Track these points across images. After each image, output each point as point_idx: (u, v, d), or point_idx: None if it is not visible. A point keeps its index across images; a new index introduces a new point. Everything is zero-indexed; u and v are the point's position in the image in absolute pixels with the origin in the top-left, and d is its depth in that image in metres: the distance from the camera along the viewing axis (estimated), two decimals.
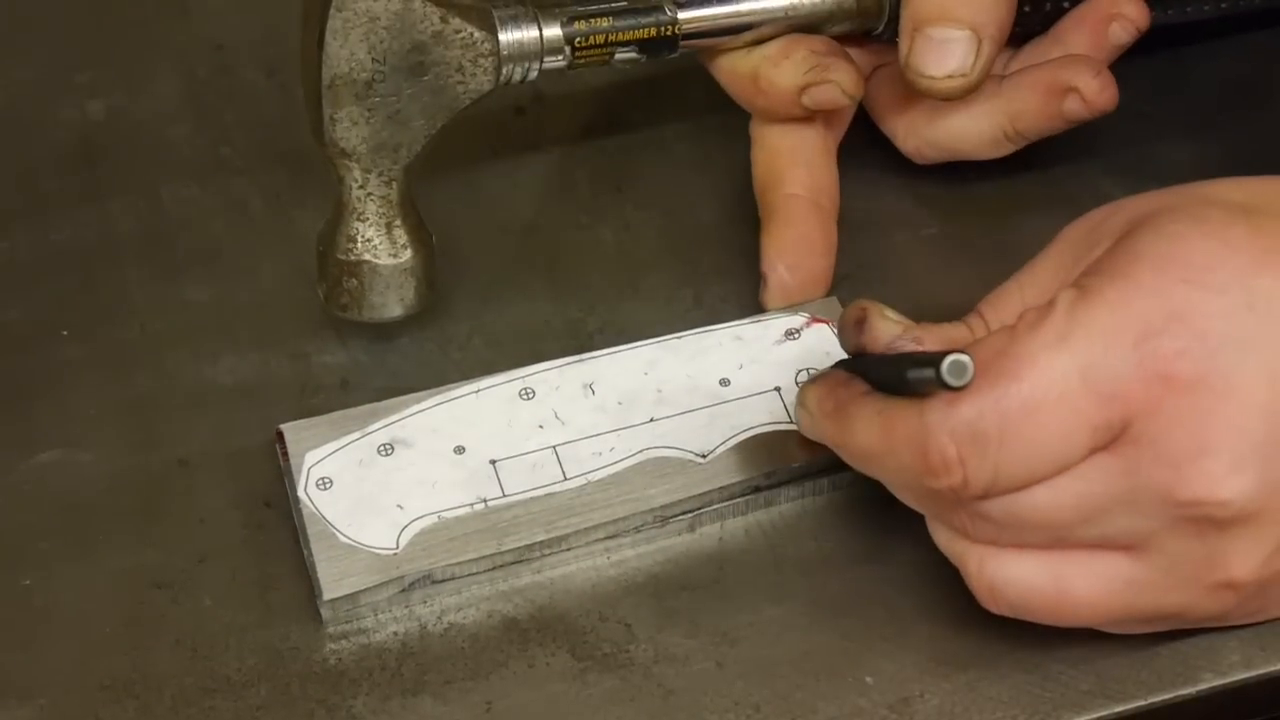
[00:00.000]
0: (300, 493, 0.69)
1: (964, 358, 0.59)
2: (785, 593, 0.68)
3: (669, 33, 0.73)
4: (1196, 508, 0.60)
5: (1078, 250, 0.65)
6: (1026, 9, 0.76)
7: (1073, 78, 0.75)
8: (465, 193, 0.80)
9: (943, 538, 0.64)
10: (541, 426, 0.70)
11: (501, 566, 0.68)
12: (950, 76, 0.72)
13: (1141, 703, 0.65)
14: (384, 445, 0.70)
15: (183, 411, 0.73)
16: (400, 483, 0.69)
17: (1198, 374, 0.60)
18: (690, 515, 0.69)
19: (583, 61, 0.72)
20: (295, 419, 0.71)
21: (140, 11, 0.87)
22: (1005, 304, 0.66)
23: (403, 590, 0.67)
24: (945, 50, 0.72)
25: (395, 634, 0.67)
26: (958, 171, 0.79)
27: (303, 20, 0.70)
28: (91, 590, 0.68)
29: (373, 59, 0.69)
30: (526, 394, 0.71)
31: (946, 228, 0.79)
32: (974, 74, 0.72)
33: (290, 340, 0.75)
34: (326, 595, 0.67)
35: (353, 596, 0.67)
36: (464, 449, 0.70)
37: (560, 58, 0.72)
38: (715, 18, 0.74)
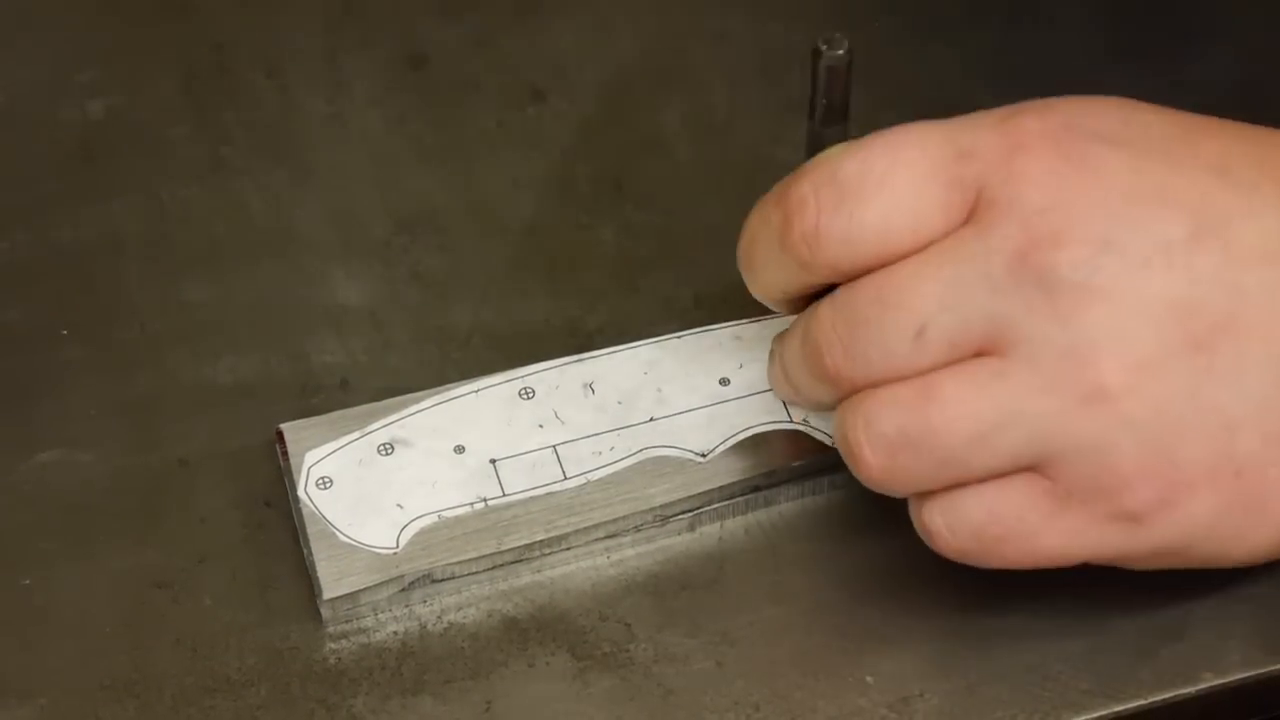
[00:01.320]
0: (300, 492, 0.69)
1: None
2: (785, 592, 0.68)
3: None
4: (1047, 271, 0.59)
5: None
6: None
7: None
8: (465, 192, 0.80)
9: (841, 419, 0.63)
10: (541, 426, 0.70)
11: (501, 566, 0.68)
12: None
13: (1141, 702, 0.65)
14: (384, 445, 0.70)
15: (183, 411, 0.73)
16: (400, 482, 0.69)
17: (1057, 146, 0.60)
18: (690, 515, 0.69)
19: None
20: (295, 419, 0.71)
21: (140, 11, 0.87)
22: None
23: (402, 590, 0.67)
24: None
25: (395, 633, 0.67)
26: None
27: None
28: (91, 590, 0.68)
29: None
30: (526, 393, 0.71)
31: None
32: None
33: (290, 340, 0.75)
34: (326, 594, 0.67)
35: (353, 596, 0.67)
36: (464, 448, 0.70)
37: None
38: None
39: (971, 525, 0.62)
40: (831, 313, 0.62)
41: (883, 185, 0.60)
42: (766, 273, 0.65)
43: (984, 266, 0.60)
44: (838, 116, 0.66)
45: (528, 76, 0.83)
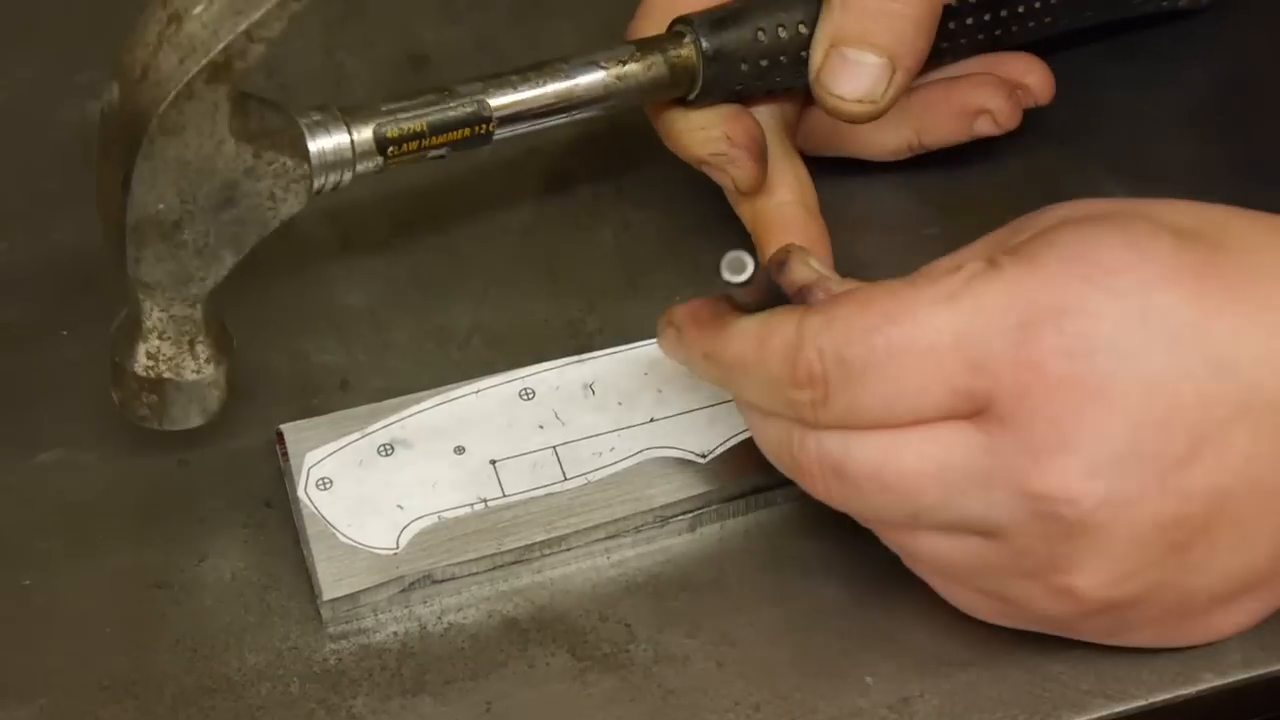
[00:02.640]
0: (300, 493, 0.69)
1: (741, 254, 0.61)
2: (785, 593, 0.68)
3: (484, 131, 0.71)
4: (1046, 502, 0.60)
5: (1012, 232, 0.65)
6: (943, 45, 0.76)
7: (985, 100, 0.76)
8: (465, 192, 0.80)
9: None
10: (541, 427, 0.70)
11: (501, 567, 0.68)
12: (860, 101, 0.72)
13: (1142, 703, 0.65)
14: (384, 445, 0.70)
15: None
16: (400, 483, 0.69)
17: (1072, 371, 0.59)
18: (690, 515, 0.69)
19: (396, 164, 0.70)
20: (295, 419, 0.71)
21: (139, 12, 0.86)
22: (929, 270, 0.65)
23: (402, 590, 0.67)
24: (859, 73, 0.71)
25: (395, 634, 0.67)
26: (958, 171, 0.79)
27: (100, 152, 0.67)
28: (92, 590, 0.69)
29: (181, 201, 0.65)
30: (526, 394, 0.71)
31: (947, 227, 0.79)
32: (883, 103, 0.72)
33: (290, 340, 0.75)
34: (326, 595, 0.67)
35: (352, 596, 0.67)
36: (464, 449, 0.70)
37: (373, 163, 0.70)
38: (532, 102, 0.72)
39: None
40: (821, 466, 0.63)
41: (887, 378, 0.60)
42: (750, 395, 0.64)
43: (986, 479, 0.61)
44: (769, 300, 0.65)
45: None
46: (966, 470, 0.61)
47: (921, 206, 0.79)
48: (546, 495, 0.69)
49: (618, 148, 0.82)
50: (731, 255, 0.61)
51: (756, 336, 0.63)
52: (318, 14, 0.85)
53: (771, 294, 0.64)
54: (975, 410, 0.60)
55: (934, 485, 0.61)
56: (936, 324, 0.60)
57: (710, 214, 0.79)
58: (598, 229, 0.79)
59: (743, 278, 0.61)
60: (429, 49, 0.85)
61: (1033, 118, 0.78)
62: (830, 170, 0.78)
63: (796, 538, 0.69)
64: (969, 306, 0.60)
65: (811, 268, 0.64)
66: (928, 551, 0.63)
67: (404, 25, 0.86)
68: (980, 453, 0.60)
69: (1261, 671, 0.66)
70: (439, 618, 0.68)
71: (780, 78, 0.74)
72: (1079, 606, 0.62)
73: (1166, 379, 0.60)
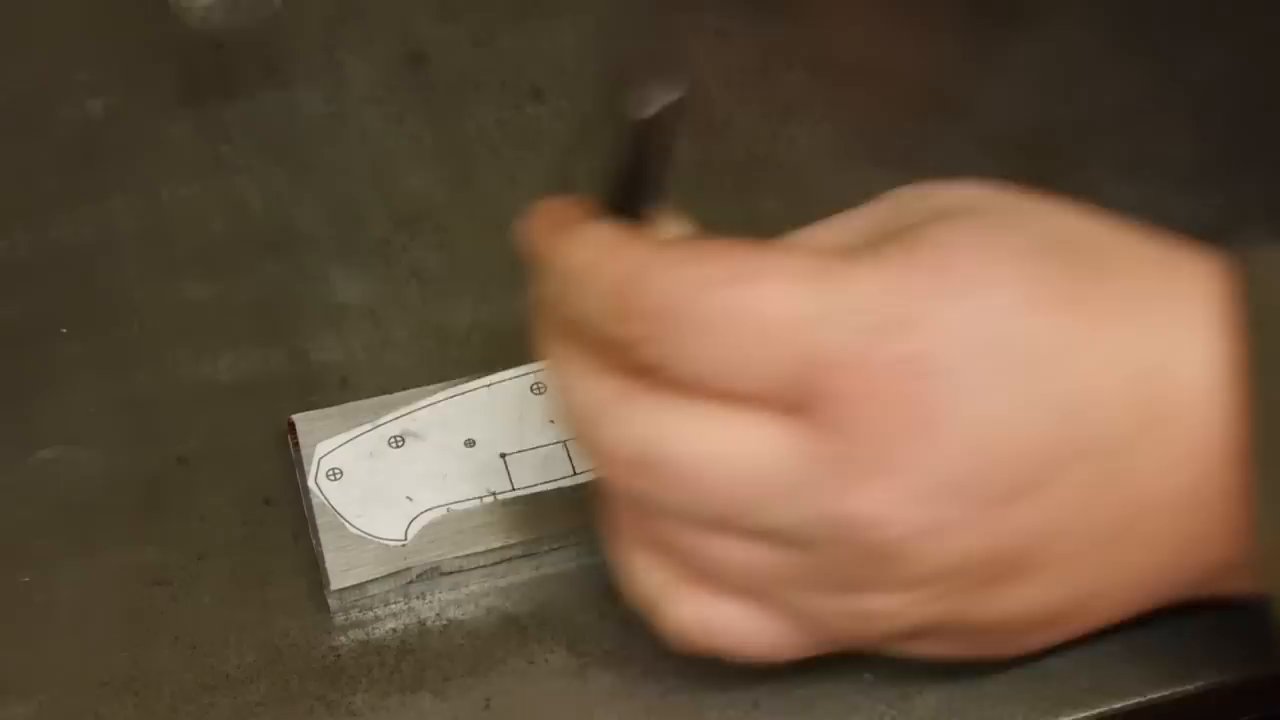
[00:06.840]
0: (310, 483, 0.69)
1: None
2: None
3: None
4: (857, 521, 0.57)
5: (899, 212, 0.61)
6: None
7: None
8: (464, 190, 0.80)
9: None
10: (552, 421, 0.71)
11: (508, 560, 0.68)
12: None
13: (1140, 699, 0.65)
14: (395, 437, 0.70)
15: (182, 409, 0.73)
16: (410, 475, 0.69)
17: (908, 391, 0.56)
18: None
19: None
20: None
21: (140, 10, 0.87)
22: (809, 236, 0.63)
23: (410, 582, 0.67)
24: None
25: (394, 630, 0.67)
26: (957, 171, 0.79)
27: None
28: (91, 587, 0.68)
29: None
30: (538, 389, 0.71)
31: None
32: None
33: (289, 338, 0.75)
34: (334, 585, 0.67)
35: (360, 587, 0.67)
36: (474, 442, 0.70)
37: None
38: None
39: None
40: (630, 448, 0.58)
41: (715, 343, 0.56)
42: (574, 305, 0.59)
43: (798, 494, 0.57)
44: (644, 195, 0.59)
45: (527, 75, 0.84)
46: (785, 475, 0.57)
47: None
48: (555, 490, 0.69)
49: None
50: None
51: (608, 250, 0.58)
52: (318, 13, 0.85)
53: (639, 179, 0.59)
54: (794, 405, 0.56)
55: (749, 487, 0.57)
56: (786, 300, 0.56)
57: (711, 213, 0.79)
58: None
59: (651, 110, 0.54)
60: (428, 47, 0.85)
61: (1032, 116, 0.79)
62: (829, 170, 0.79)
63: None
64: (828, 293, 0.56)
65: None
66: (718, 556, 0.59)
67: (403, 23, 0.86)
68: (801, 459, 0.57)
69: (1261, 669, 0.66)
70: (438, 614, 0.68)
71: None
72: (868, 628, 0.60)
73: (1009, 417, 0.57)
